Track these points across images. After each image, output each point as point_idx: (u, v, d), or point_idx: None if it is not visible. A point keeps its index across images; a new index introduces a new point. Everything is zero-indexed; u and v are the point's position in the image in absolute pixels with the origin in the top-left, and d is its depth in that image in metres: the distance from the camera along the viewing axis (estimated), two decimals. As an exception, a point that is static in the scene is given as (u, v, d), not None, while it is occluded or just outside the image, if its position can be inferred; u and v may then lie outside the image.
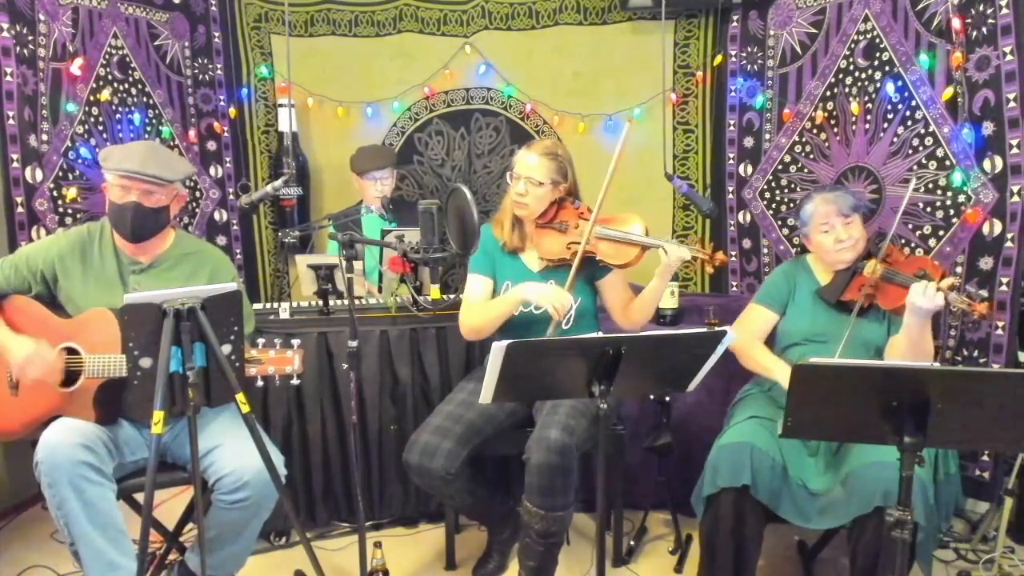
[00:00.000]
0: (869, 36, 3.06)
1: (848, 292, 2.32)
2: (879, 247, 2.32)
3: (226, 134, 3.77)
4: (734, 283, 3.68)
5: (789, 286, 2.46)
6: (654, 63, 3.51)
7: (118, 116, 3.34)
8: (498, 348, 1.73)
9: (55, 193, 3.10)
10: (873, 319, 2.32)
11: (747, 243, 3.60)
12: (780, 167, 3.44)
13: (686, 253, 2.25)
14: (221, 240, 3.76)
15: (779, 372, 2.31)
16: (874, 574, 2.00)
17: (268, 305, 2.87)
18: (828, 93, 3.23)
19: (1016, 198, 2.62)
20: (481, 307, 2.46)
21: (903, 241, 2.95)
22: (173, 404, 1.78)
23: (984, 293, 2.04)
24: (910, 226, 2.94)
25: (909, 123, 2.93)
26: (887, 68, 3.00)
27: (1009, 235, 2.64)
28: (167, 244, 2.35)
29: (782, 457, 2.15)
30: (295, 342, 2.02)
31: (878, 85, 3.03)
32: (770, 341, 2.51)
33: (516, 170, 2.43)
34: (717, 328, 1.88)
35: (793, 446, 2.19)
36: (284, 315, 2.76)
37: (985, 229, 2.71)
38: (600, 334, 2.27)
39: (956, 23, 2.70)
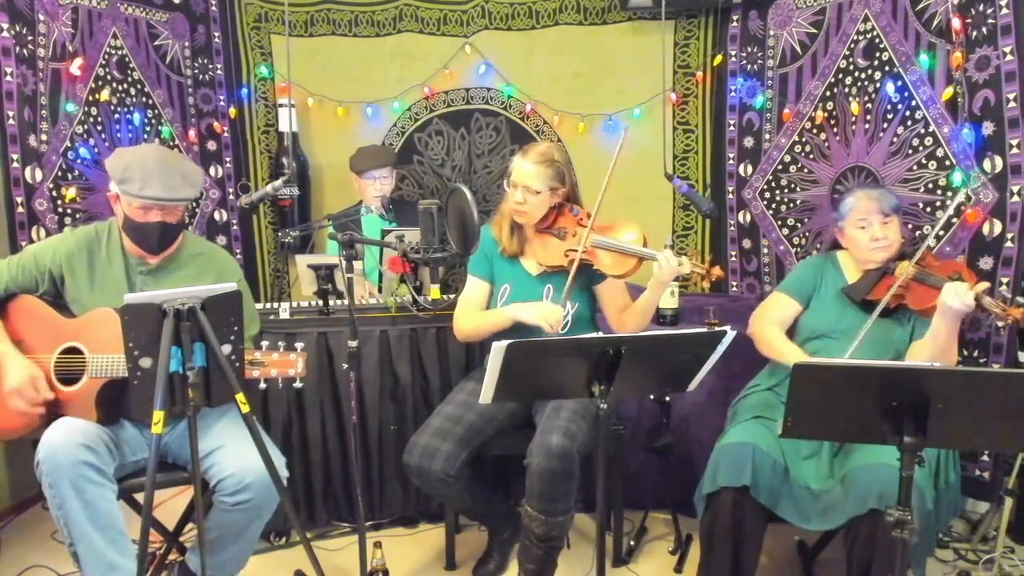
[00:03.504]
0: (869, 36, 3.06)
1: (875, 292, 2.27)
2: (915, 249, 2.27)
3: (226, 134, 3.77)
4: (734, 283, 3.68)
5: (815, 280, 2.43)
6: (654, 63, 3.50)
7: (117, 116, 3.34)
8: (498, 348, 1.73)
9: (55, 193, 3.10)
10: (897, 322, 2.29)
11: (747, 243, 3.60)
12: (780, 167, 3.44)
13: (684, 268, 2.19)
14: (221, 240, 3.77)
15: (791, 357, 2.27)
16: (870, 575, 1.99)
17: (268, 305, 2.87)
18: (828, 93, 3.23)
19: (1016, 198, 2.62)
20: (476, 315, 2.47)
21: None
22: (173, 404, 1.78)
23: (1021, 300, 2.00)
24: (910, 226, 2.93)
25: (909, 123, 2.93)
26: (887, 68, 3.00)
27: (1009, 235, 2.64)
28: (175, 246, 2.33)
29: (784, 457, 2.15)
30: (299, 345, 2.01)
31: (878, 85, 3.03)
32: (791, 334, 2.47)
33: (513, 178, 2.40)
34: (717, 328, 1.88)
35: (794, 446, 2.19)
36: (284, 315, 2.76)
37: (985, 229, 2.71)
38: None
39: (956, 23, 2.70)
